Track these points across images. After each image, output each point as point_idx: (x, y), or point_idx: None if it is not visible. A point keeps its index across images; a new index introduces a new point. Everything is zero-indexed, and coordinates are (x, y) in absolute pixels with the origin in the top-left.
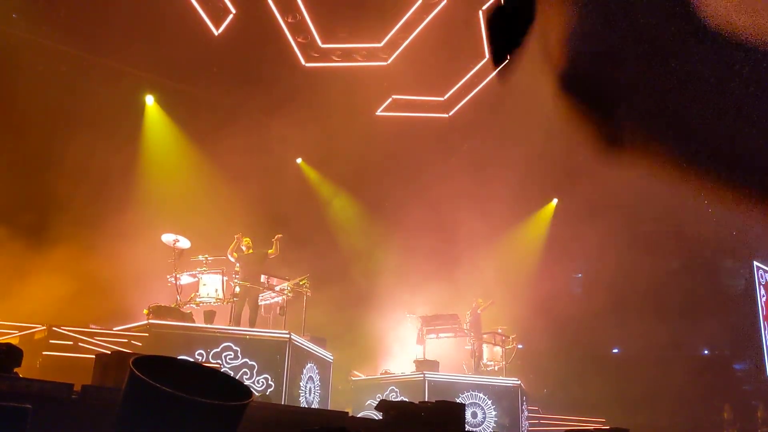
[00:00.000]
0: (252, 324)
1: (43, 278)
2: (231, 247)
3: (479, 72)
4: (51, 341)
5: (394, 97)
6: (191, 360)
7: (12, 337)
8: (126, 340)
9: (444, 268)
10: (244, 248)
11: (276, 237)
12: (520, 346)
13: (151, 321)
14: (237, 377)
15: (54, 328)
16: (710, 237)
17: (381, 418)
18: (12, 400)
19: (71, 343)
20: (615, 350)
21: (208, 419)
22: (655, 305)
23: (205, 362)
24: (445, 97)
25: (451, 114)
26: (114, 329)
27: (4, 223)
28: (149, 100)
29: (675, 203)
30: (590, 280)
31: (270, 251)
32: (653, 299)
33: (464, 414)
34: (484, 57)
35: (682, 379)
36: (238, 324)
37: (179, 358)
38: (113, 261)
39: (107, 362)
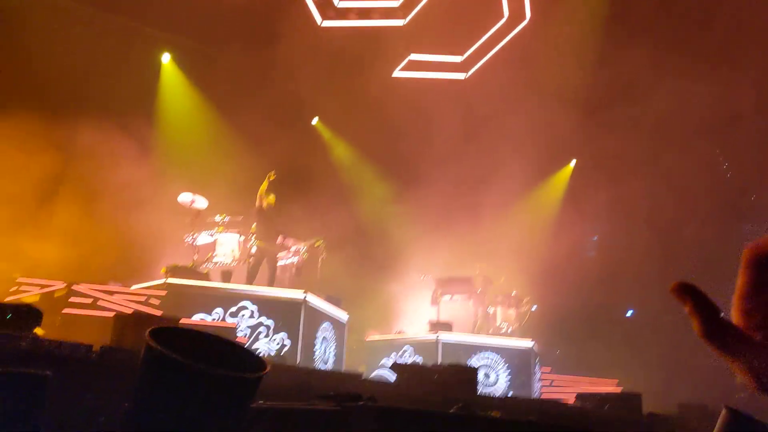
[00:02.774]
0: (270, 284)
1: (63, 237)
2: (263, 186)
3: (498, 32)
4: (70, 299)
5: (412, 56)
6: (207, 332)
7: (33, 295)
8: (144, 299)
9: (460, 230)
10: (264, 206)
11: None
12: (534, 308)
13: (168, 280)
14: (254, 336)
15: (73, 286)
16: (728, 200)
17: (394, 380)
18: (31, 360)
19: (90, 301)
20: (629, 312)
21: (224, 391)
22: (671, 268)
23: (221, 321)
24: (463, 57)
25: (468, 75)
26: (132, 288)
27: (22, 182)
28: (165, 58)
29: (691, 164)
30: (606, 243)
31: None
32: (669, 261)
33: (477, 377)
34: (503, 16)
35: (696, 341)
36: (251, 283)
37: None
38: (131, 220)
39: (125, 322)
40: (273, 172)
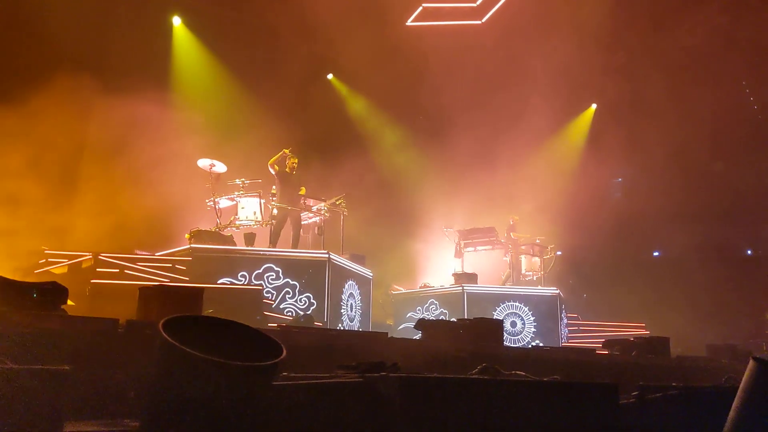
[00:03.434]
0: (294, 245)
1: (88, 208)
2: (274, 158)
3: None
4: (98, 269)
5: (425, 5)
6: (220, 318)
7: (61, 266)
8: (170, 265)
9: (481, 180)
10: (287, 169)
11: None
12: (558, 253)
13: (193, 245)
14: (280, 296)
15: (100, 256)
16: (751, 138)
17: (420, 336)
18: (60, 337)
19: (117, 270)
20: (656, 253)
21: (240, 380)
22: (697, 207)
23: (247, 284)
24: (478, 2)
25: (484, 20)
26: (157, 254)
27: (46, 157)
28: (176, 21)
29: (716, 104)
30: (630, 184)
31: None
32: (694, 201)
33: (503, 330)
34: None
35: (724, 281)
36: (275, 245)
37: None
38: (153, 188)
39: (150, 295)
40: (290, 150)
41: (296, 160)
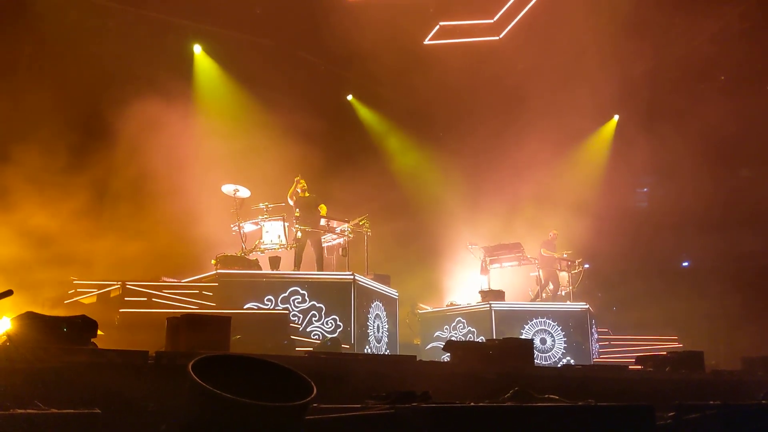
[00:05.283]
0: (319, 266)
1: (114, 237)
2: (290, 190)
3: None
4: (126, 298)
5: (442, 23)
6: (251, 355)
7: (90, 296)
8: (197, 291)
9: (504, 196)
10: (299, 191)
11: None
12: (586, 266)
13: (219, 270)
14: (306, 319)
15: (128, 285)
16: None
17: (448, 358)
18: (90, 371)
19: (145, 298)
20: (685, 264)
21: (271, 420)
22: (726, 215)
23: (274, 308)
24: (495, 18)
25: (501, 36)
26: (184, 281)
27: (72, 188)
28: (197, 49)
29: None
30: (657, 194)
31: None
32: (723, 209)
33: (533, 350)
34: None
35: (756, 291)
36: (298, 267)
37: (240, 355)
38: (178, 214)
39: (178, 324)
40: (299, 176)
41: (304, 182)
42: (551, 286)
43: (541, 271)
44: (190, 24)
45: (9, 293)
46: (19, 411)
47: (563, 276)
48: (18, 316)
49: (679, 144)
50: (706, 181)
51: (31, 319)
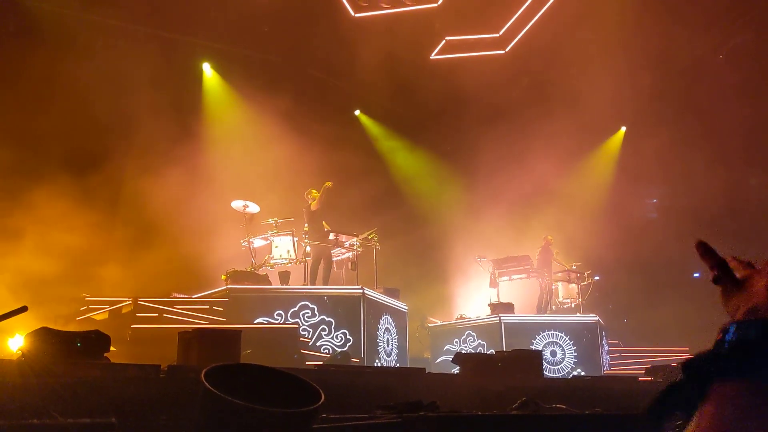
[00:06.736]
0: (325, 280)
1: (126, 252)
2: (316, 193)
3: (534, 3)
4: (137, 314)
5: (448, 38)
6: (260, 366)
7: (102, 312)
8: (208, 307)
9: (513, 208)
10: (310, 204)
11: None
12: (596, 278)
13: (229, 286)
14: (316, 334)
15: (139, 301)
16: None
17: (458, 370)
18: (104, 384)
19: (156, 314)
20: (696, 274)
21: (281, 426)
22: (736, 224)
23: (284, 322)
24: (501, 32)
25: (507, 50)
26: (194, 296)
27: (83, 207)
28: (206, 67)
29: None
30: (666, 204)
31: (312, 203)
32: (733, 217)
33: (542, 361)
34: None
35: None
36: (312, 282)
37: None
38: (188, 231)
39: (189, 339)
40: (330, 183)
41: (316, 193)
42: (561, 298)
43: (543, 279)
44: (199, 42)
45: (24, 309)
46: (36, 421)
47: (573, 288)
48: (32, 331)
49: (688, 154)
50: (716, 191)
51: (45, 334)
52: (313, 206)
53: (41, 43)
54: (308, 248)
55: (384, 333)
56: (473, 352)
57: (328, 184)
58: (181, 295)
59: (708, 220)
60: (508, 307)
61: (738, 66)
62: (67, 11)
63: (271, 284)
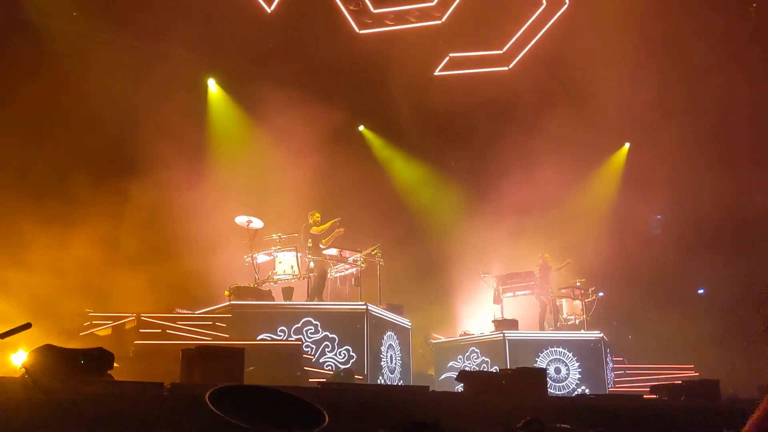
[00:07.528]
0: (315, 294)
1: (129, 268)
2: (323, 226)
3: (537, 20)
4: (141, 330)
5: (451, 55)
6: (265, 386)
7: (105, 328)
8: (210, 323)
9: (516, 225)
10: (311, 226)
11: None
12: (600, 294)
13: (232, 302)
14: (319, 350)
15: (142, 317)
16: None
17: (462, 388)
18: (106, 401)
19: (159, 330)
20: (700, 291)
21: None
22: (741, 240)
23: (287, 339)
24: (504, 49)
25: (511, 66)
26: (197, 312)
27: (87, 223)
28: (211, 83)
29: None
30: (670, 221)
31: (315, 229)
32: (738, 234)
33: (546, 379)
34: (542, 4)
35: None
36: (321, 299)
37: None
38: (191, 247)
39: (192, 356)
40: (342, 229)
41: (317, 215)
42: (565, 314)
43: (543, 298)
44: (204, 58)
45: (27, 326)
46: None
47: (577, 304)
48: (36, 348)
49: (691, 170)
50: (720, 207)
51: (49, 351)
52: (314, 231)
53: (48, 60)
54: (311, 264)
55: (387, 349)
56: (477, 369)
57: (340, 230)
58: (184, 311)
59: (713, 236)
60: (512, 324)
61: (746, 78)
62: (73, 28)
63: (274, 300)
